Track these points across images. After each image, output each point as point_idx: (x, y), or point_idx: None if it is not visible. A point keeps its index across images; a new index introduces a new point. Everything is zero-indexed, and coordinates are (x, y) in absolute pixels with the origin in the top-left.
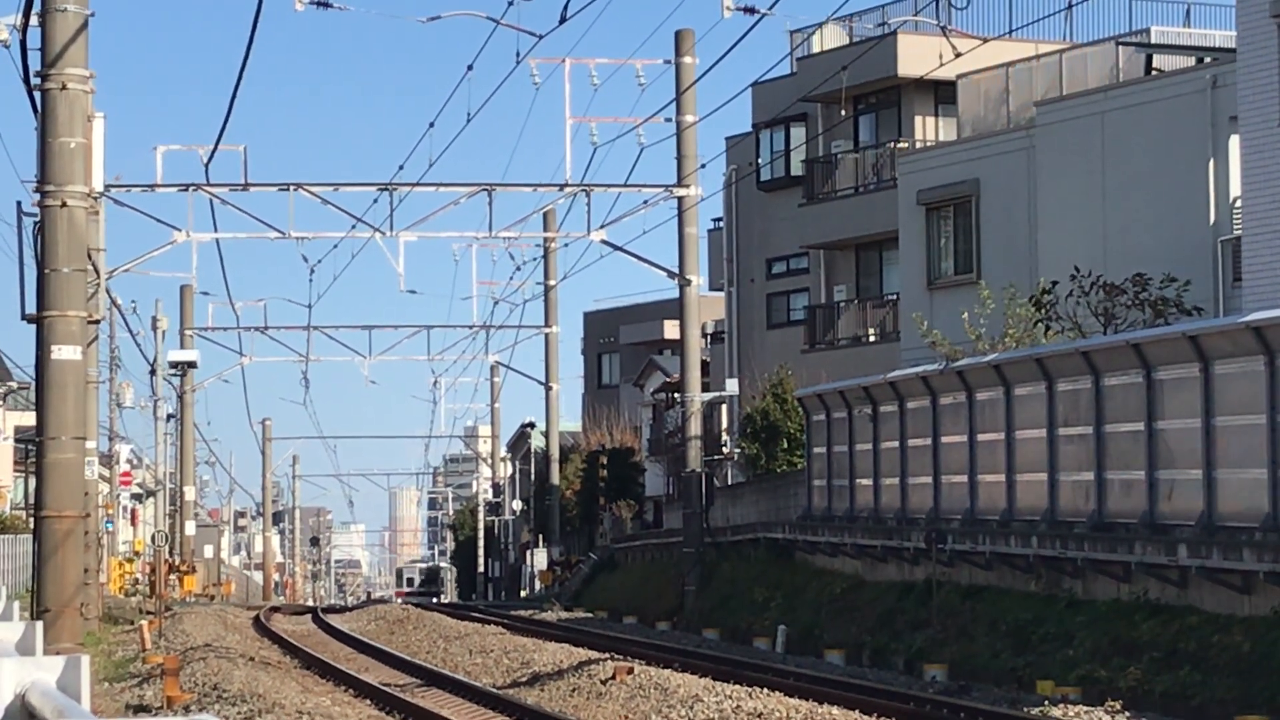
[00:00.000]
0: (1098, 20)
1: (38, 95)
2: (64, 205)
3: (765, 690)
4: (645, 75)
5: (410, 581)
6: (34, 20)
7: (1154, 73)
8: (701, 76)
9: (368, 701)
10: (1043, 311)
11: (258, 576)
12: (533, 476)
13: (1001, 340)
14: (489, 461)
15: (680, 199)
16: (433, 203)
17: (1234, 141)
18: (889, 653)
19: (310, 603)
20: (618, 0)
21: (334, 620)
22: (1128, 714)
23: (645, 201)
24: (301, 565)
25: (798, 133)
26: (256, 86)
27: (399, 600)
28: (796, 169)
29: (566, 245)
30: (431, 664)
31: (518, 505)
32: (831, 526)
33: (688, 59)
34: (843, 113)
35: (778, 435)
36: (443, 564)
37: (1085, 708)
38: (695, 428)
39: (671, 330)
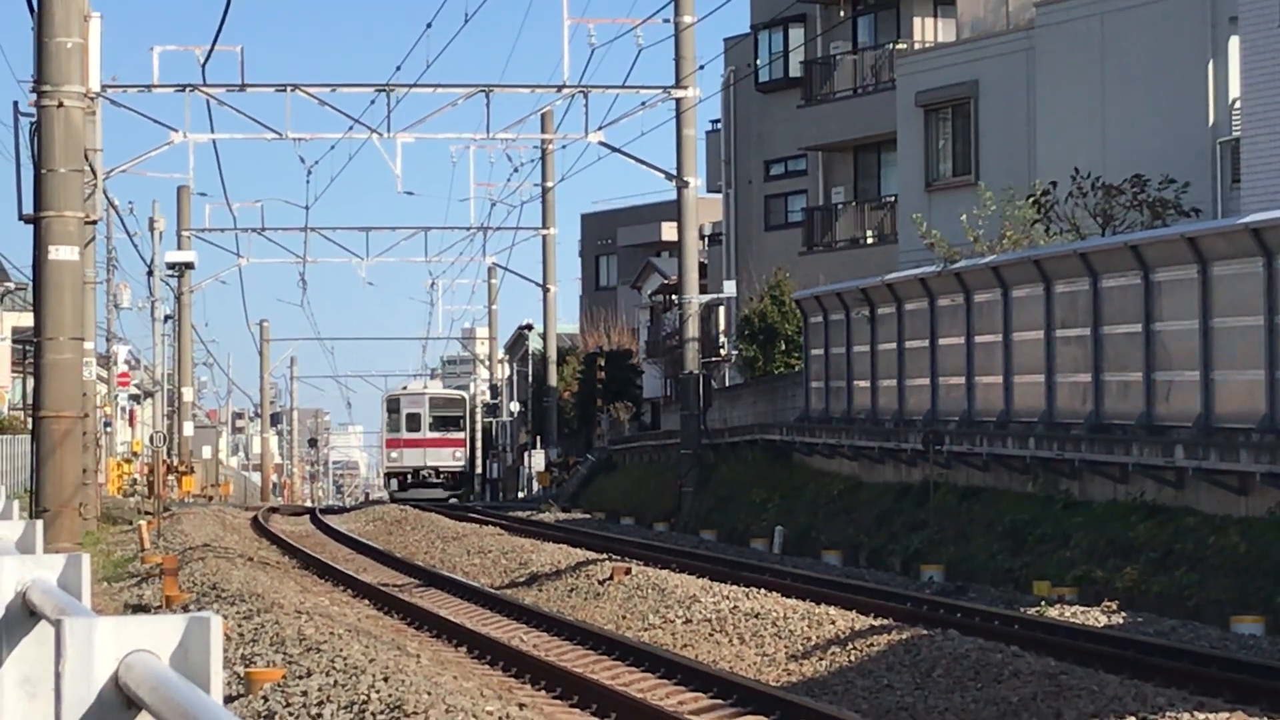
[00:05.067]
0: None
1: None
2: (61, 105)
3: (762, 590)
4: None
5: (413, 422)
6: None
7: None
8: None
9: (366, 601)
10: (1041, 213)
11: (256, 478)
12: (530, 378)
13: (1000, 242)
14: (486, 363)
15: (678, 100)
16: (430, 104)
17: (1234, 42)
18: (886, 554)
19: (308, 504)
20: None
21: (332, 521)
22: (1124, 614)
23: (643, 103)
24: (299, 466)
25: (796, 34)
26: None
27: (392, 454)
28: (795, 70)
29: (564, 147)
30: (429, 564)
31: (515, 407)
32: (829, 428)
33: None
34: (841, 13)
35: (775, 337)
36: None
37: (1081, 608)
38: (693, 330)
39: (669, 232)
